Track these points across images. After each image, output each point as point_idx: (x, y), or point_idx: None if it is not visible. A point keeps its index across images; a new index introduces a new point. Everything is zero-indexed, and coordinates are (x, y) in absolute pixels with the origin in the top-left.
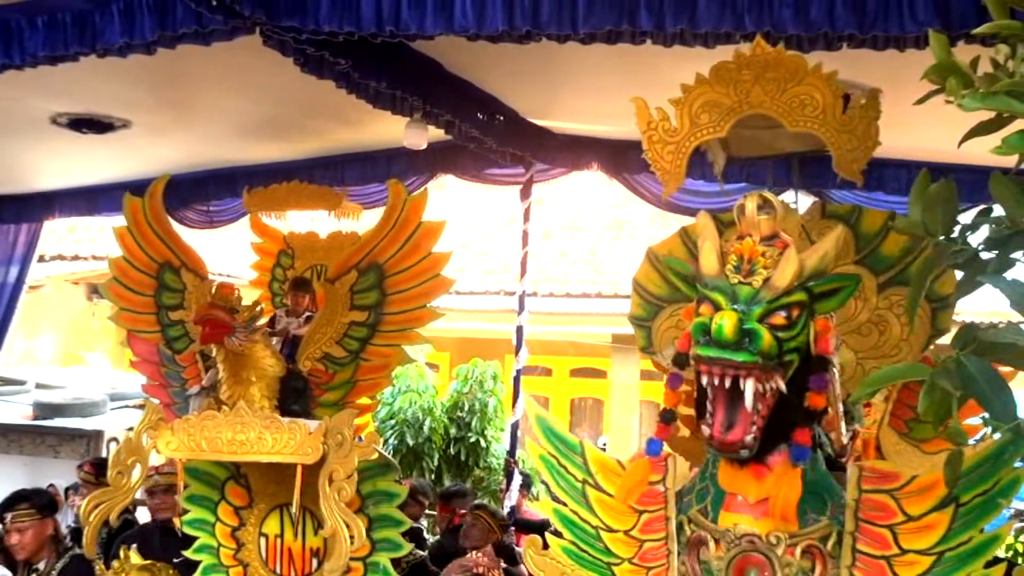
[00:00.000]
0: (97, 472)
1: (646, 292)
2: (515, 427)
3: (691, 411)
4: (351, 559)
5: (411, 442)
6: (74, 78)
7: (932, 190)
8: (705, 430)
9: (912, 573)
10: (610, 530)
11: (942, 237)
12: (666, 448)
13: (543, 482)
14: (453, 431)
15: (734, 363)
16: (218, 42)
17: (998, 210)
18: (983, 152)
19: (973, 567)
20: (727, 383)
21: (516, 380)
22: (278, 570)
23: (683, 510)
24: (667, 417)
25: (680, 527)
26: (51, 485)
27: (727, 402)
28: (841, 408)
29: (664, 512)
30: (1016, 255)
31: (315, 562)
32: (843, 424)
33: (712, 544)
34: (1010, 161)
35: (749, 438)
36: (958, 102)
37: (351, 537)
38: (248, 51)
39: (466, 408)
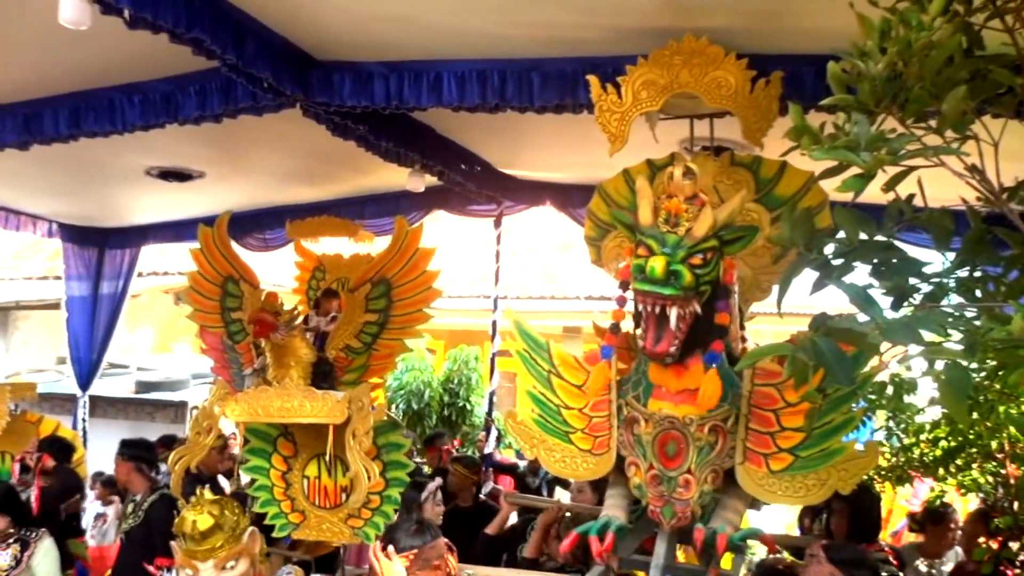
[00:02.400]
0: (165, 446)
1: (596, 219)
2: (491, 395)
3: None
4: (370, 493)
5: (415, 407)
6: (162, 141)
7: (796, 215)
8: (640, 342)
9: (789, 444)
10: (568, 408)
11: (803, 248)
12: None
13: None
14: (446, 398)
15: (663, 296)
16: (268, 113)
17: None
18: (829, 190)
19: (834, 440)
20: (657, 310)
21: (492, 361)
22: (317, 503)
23: (622, 395)
24: (613, 328)
25: (620, 408)
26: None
27: (656, 323)
28: (739, 321)
29: (608, 396)
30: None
31: (344, 496)
32: (740, 333)
33: (643, 422)
34: (848, 196)
35: (672, 349)
36: (810, 154)
37: (370, 477)
38: (290, 120)
39: (456, 381)
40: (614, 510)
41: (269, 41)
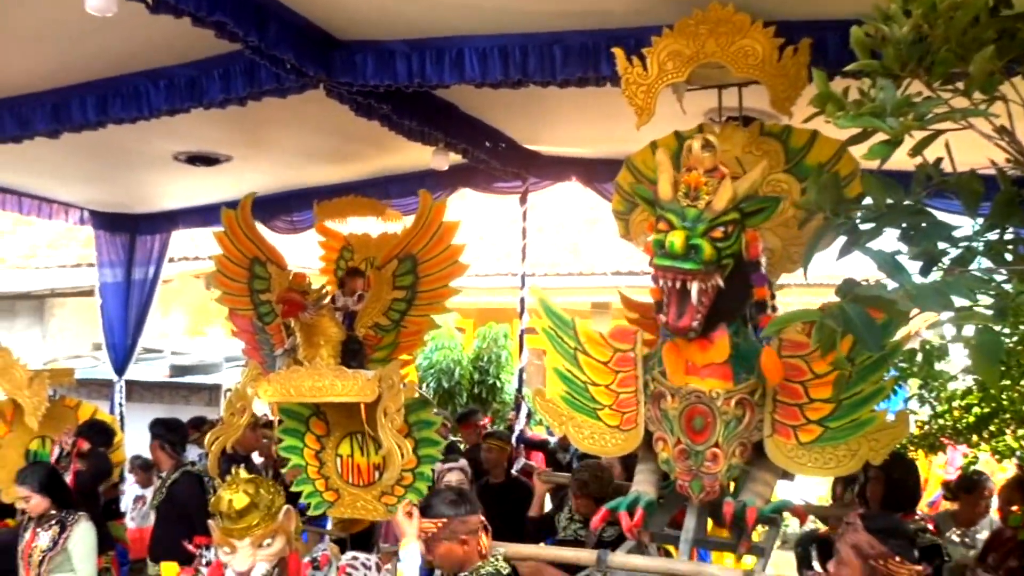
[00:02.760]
0: (195, 428)
1: (624, 192)
2: (521, 371)
3: None
4: (403, 471)
5: (446, 385)
6: (188, 125)
7: (823, 179)
8: (662, 318)
9: (817, 416)
10: (595, 384)
11: (831, 213)
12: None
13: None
14: (476, 376)
15: (683, 270)
16: (292, 95)
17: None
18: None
19: (863, 411)
20: (677, 285)
21: (521, 338)
22: (350, 481)
23: (648, 371)
24: (659, 307)
25: (646, 384)
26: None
27: (678, 298)
28: (769, 294)
29: (634, 372)
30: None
31: (377, 474)
32: (770, 304)
33: (669, 397)
34: (875, 164)
35: (695, 323)
36: (835, 122)
37: (402, 454)
38: (314, 101)
39: (485, 359)
40: (643, 485)
41: (291, 22)
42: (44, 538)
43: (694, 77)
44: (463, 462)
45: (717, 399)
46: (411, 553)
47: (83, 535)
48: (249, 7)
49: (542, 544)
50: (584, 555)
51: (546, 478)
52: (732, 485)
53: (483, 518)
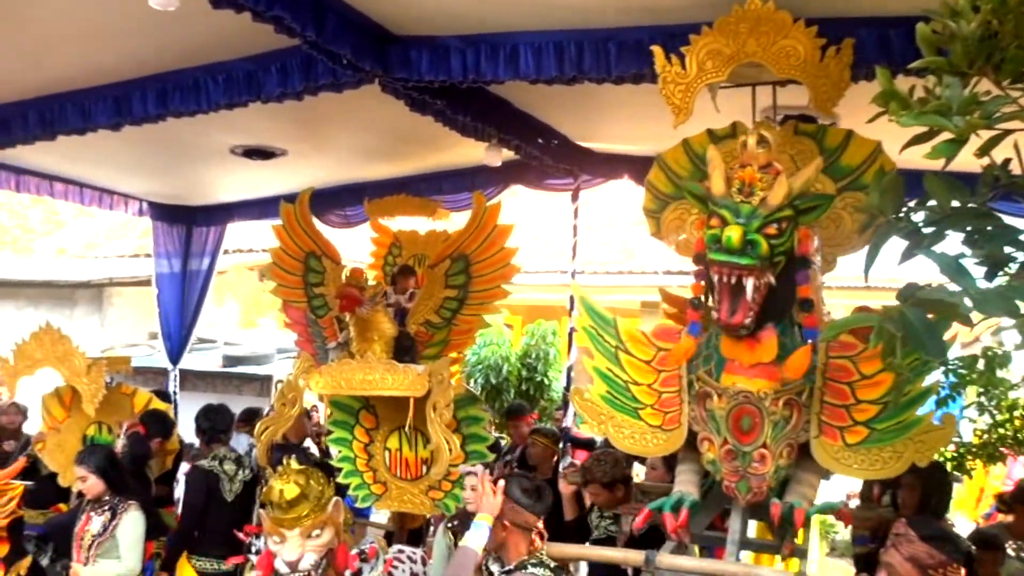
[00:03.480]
0: (245, 421)
1: (656, 190)
2: (569, 369)
3: None
4: (451, 466)
5: (494, 381)
6: (245, 119)
7: (885, 181)
8: (714, 314)
9: (864, 417)
10: (636, 383)
11: (892, 215)
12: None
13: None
14: (524, 373)
15: (740, 266)
16: (348, 90)
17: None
18: (916, 158)
19: (909, 412)
20: (733, 280)
21: (570, 335)
22: (398, 474)
23: (692, 371)
24: (695, 303)
25: (690, 384)
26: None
27: (731, 294)
28: (822, 294)
29: (678, 371)
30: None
31: (424, 468)
32: (823, 306)
33: (716, 397)
34: (938, 164)
35: (748, 320)
36: (899, 120)
37: (451, 449)
38: (370, 96)
39: (533, 356)
40: (687, 486)
41: (348, 18)
42: (96, 523)
43: (731, 76)
44: (479, 467)
45: (765, 399)
46: (481, 528)
47: (132, 523)
48: (307, 2)
49: (588, 547)
50: (632, 556)
51: (572, 479)
52: (776, 486)
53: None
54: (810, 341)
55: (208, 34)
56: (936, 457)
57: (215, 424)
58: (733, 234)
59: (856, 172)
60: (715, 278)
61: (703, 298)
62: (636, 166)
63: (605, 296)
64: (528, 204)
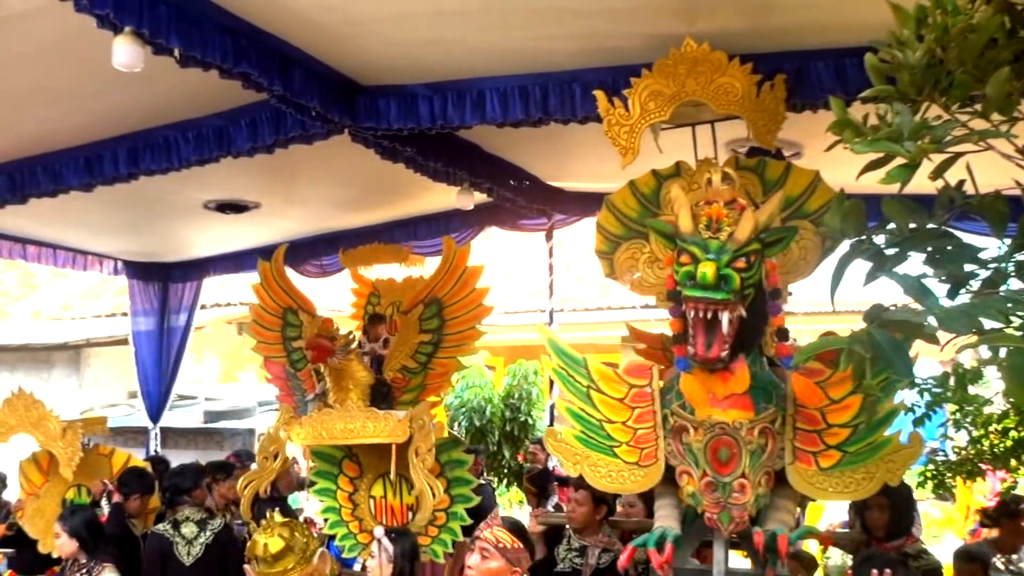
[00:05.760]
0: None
1: (607, 232)
2: (552, 408)
3: None
4: (435, 511)
5: (477, 423)
6: (217, 175)
7: (846, 205)
8: (689, 349)
9: (836, 440)
10: (610, 421)
11: (855, 238)
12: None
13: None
14: (507, 414)
15: (715, 300)
16: (318, 141)
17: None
18: (872, 183)
19: (879, 433)
20: (708, 315)
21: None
22: (384, 522)
23: (666, 405)
24: (678, 339)
25: (665, 418)
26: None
27: (706, 328)
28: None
29: (652, 407)
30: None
31: (410, 514)
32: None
33: (692, 430)
34: (894, 188)
35: (724, 353)
36: (853, 148)
37: (434, 494)
38: (340, 146)
39: (516, 396)
40: (668, 520)
41: (315, 70)
42: None
43: (671, 116)
44: (379, 529)
45: (741, 429)
46: None
47: None
48: (274, 57)
49: None
50: None
51: (542, 520)
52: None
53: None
54: (791, 370)
55: (176, 92)
56: (907, 480)
57: (177, 484)
58: (708, 270)
59: (798, 202)
60: (690, 314)
61: (685, 335)
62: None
63: (584, 333)
64: (504, 245)
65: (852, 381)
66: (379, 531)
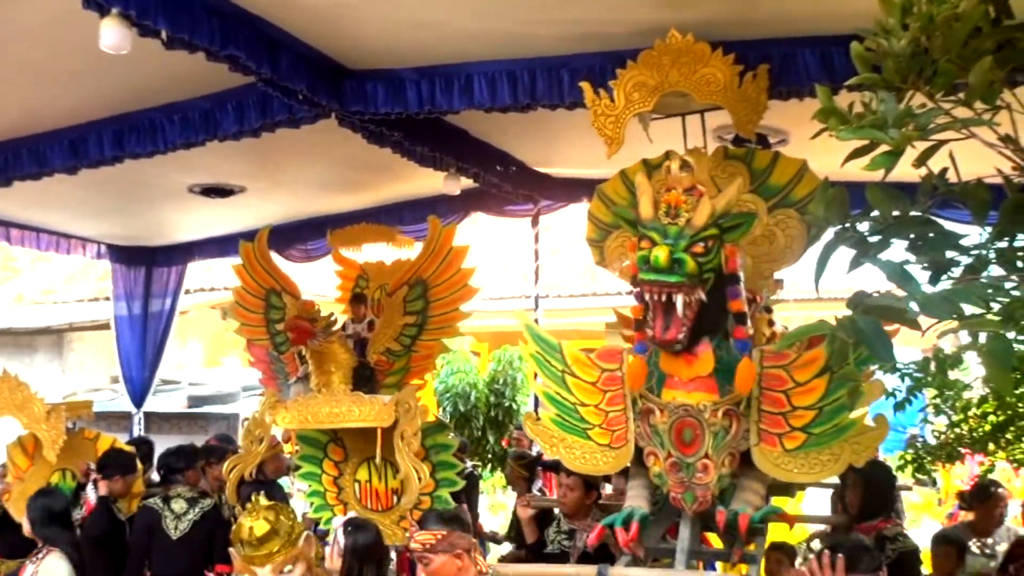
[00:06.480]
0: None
1: (597, 220)
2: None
3: None
4: (421, 494)
5: (462, 409)
6: (203, 158)
7: (830, 193)
8: (648, 332)
9: (801, 423)
10: (584, 404)
11: (839, 226)
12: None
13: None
14: (492, 399)
15: (668, 283)
16: (305, 125)
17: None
18: (857, 171)
19: (843, 416)
20: (663, 298)
21: None
22: (369, 506)
23: None
24: (639, 324)
25: (634, 401)
26: None
27: (663, 311)
28: (745, 307)
29: (622, 390)
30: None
31: (395, 498)
32: (747, 319)
33: (658, 412)
34: (878, 175)
35: (681, 336)
36: (838, 135)
37: (420, 478)
38: (327, 130)
39: (501, 382)
40: (636, 500)
41: (303, 54)
42: (28, 571)
43: (660, 106)
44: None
45: (704, 411)
46: None
47: (48, 571)
48: (262, 40)
49: (540, 564)
50: (585, 571)
51: (534, 504)
52: (721, 495)
53: (476, 540)
54: (745, 353)
55: (162, 75)
56: (881, 458)
57: (171, 464)
58: (660, 254)
59: (784, 190)
60: (647, 296)
61: (644, 320)
62: (594, 189)
63: (570, 319)
64: (490, 230)
65: (819, 364)
66: (336, 521)
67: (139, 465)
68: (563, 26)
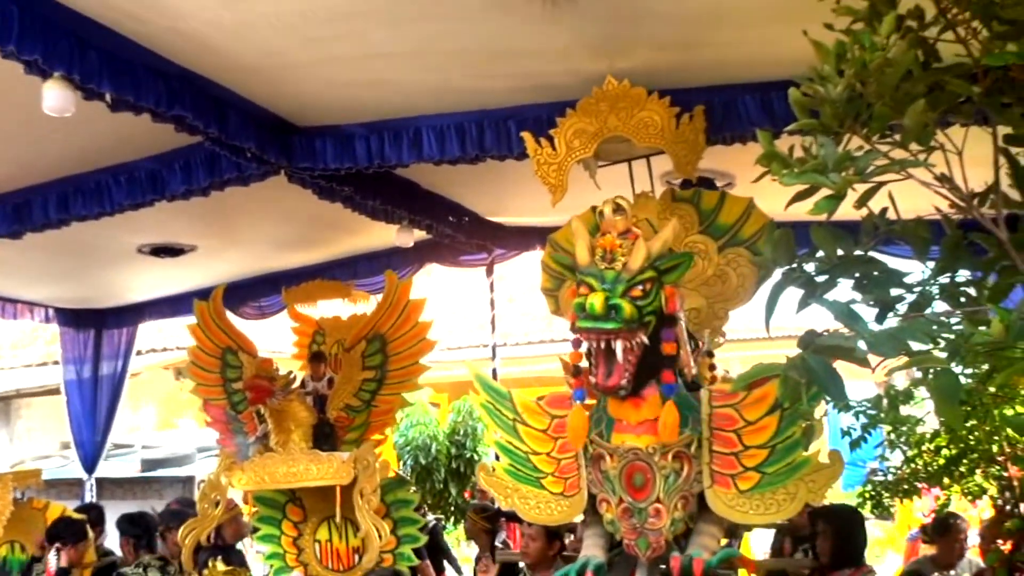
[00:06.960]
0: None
1: (551, 270)
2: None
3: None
4: (382, 552)
5: (423, 461)
6: (151, 218)
7: (776, 235)
8: (591, 379)
9: (754, 462)
10: (536, 453)
11: (787, 266)
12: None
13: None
14: (453, 451)
15: (605, 330)
16: (254, 183)
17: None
18: (802, 212)
19: (797, 453)
20: (602, 345)
21: None
22: (330, 566)
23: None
24: (576, 370)
25: (585, 447)
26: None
27: (605, 358)
28: (689, 347)
29: None
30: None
31: (357, 557)
32: (691, 360)
33: (608, 458)
34: (822, 217)
35: (623, 382)
36: (781, 180)
37: (381, 536)
38: (277, 187)
39: (462, 432)
40: (592, 549)
41: (250, 112)
42: None
43: (605, 152)
44: None
45: (654, 454)
46: None
47: None
48: (208, 100)
49: None
50: None
51: (499, 557)
52: (676, 539)
53: None
54: (670, 397)
55: (108, 136)
56: (848, 501)
57: (143, 530)
58: (596, 300)
59: (733, 229)
60: (586, 345)
61: (581, 367)
62: (546, 236)
63: (528, 366)
64: (445, 281)
65: (769, 401)
66: None
67: (89, 532)
68: (509, 79)
